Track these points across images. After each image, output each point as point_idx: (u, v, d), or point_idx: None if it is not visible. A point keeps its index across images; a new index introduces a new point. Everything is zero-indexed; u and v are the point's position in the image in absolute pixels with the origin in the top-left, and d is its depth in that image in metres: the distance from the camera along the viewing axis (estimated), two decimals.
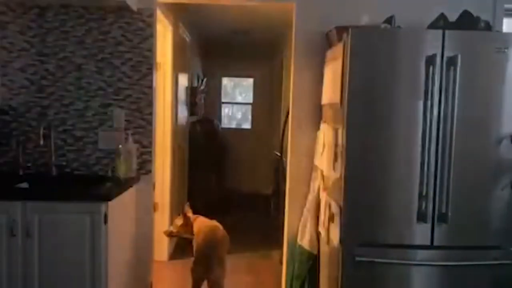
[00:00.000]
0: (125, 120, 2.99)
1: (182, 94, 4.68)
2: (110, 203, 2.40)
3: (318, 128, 2.90)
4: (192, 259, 2.95)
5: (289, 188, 3.09)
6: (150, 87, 2.99)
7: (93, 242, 2.37)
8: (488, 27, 2.47)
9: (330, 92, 2.56)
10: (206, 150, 5.83)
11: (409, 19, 2.56)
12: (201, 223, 3.15)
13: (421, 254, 2.30)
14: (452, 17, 2.49)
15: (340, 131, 2.35)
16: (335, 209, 2.38)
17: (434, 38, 2.24)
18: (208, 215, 3.34)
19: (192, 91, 5.41)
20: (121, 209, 2.67)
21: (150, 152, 3.02)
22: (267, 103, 7.36)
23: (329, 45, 2.77)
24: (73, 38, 2.95)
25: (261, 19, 4.99)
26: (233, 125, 7.84)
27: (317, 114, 2.96)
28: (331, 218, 2.45)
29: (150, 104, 2.99)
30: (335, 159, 2.41)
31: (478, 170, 2.29)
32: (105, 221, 2.38)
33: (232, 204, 6.38)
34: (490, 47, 2.25)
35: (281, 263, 3.36)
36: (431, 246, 2.29)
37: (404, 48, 2.26)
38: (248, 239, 4.77)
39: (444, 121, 2.23)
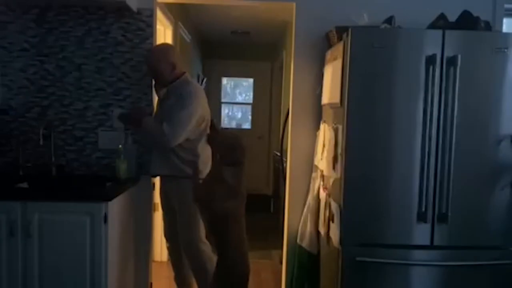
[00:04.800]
0: None
1: None
2: (110, 203, 2.39)
3: (318, 128, 2.90)
4: None
5: (289, 188, 3.09)
6: (150, 87, 2.99)
7: (93, 242, 2.37)
8: (488, 27, 2.47)
9: (330, 92, 2.56)
10: None
11: (409, 19, 2.56)
12: None
13: (421, 254, 2.30)
14: (452, 17, 2.49)
15: (340, 131, 2.35)
16: (335, 209, 2.38)
17: (434, 38, 2.24)
18: None
19: None
20: (121, 209, 2.67)
21: (150, 152, 3.01)
22: (267, 103, 7.36)
23: (329, 45, 2.77)
24: (73, 38, 2.95)
25: (261, 19, 4.99)
26: (233, 125, 7.84)
27: (317, 114, 2.96)
28: (331, 218, 2.45)
29: (150, 104, 2.99)
30: (335, 159, 2.41)
31: (478, 170, 2.29)
32: (105, 221, 2.38)
33: None
34: (490, 47, 2.25)
35: (281, 263, 3.36)
36: (431, 246, 2.30)
37: (404, 48, 2.26)
38: (248, 239, 4.76)
39: (444, 121, 2.23)
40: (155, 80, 2.87)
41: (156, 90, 2.92)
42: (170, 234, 2.98)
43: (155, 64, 2.75)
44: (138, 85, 2.98)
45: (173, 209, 2.85)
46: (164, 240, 4.06)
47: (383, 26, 2.45)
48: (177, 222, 2.83)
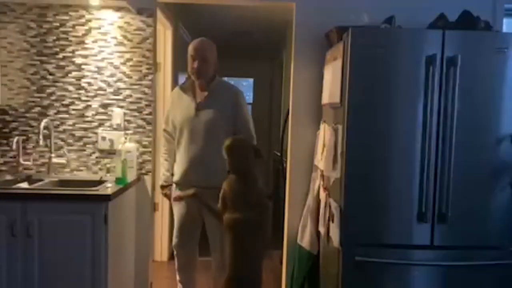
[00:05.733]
0: (125, 120, 2.99)
1: None
2: (110, 203, 2.40)
3: (318, 128, 2.90)
4: None
5: (289, 188, 3.09)
6: (150, 87, 2.99)
7: (93, 242, 2.37)
8: (488, 27, 2.47)
9: (330, 92, 2.56)
10: None
11: (409, 19, 2.55)
12: None
13: (421, 254, 2.30)
14: (452, 17, 2.49)
15: (340, 131, 2.35)
16: (335, 209, 2.38)
17: (434, 38, 2.24)
18: None
19: None
20: (121, 209, 2.67)
21: (150, 152, 3.02)
22: (267, 103, 7.36)
23: (329, 45, 2.77)
24: (73, 38, 2.95)
25: (261, 19, 4.99)
26: None
27: (317, 114, 2.96)
28: (331, 218, 2.45)
29: (150, 104, 3.00)
30: (335, 159, 2.41)
31: (478, 170, 2.29)
32: (105, 221, 2.38)
33: None
34: (490, 47, 2.25)
35: (281, 263, 3.36)
36: (431, 246, 2.29)
37: (404, 48, 2.26)
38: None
39: (444, 121, 2.23)
40: (200, 74, 2.65)
41: (184, 88, 2.77)
42: (184, 240, 2.77)
43: (209, 56, 2.68)
44: (138, 85, 2.98)
45: (197, 221, 2.72)
46: (163, 240, 4.09)
47: (383, 26, 2.44)
48: (211, 240, 2.70)
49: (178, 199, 2.66)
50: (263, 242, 2.34)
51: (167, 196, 2.83)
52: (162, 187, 2.86)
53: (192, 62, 2.66)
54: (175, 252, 2.83)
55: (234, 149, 2.35)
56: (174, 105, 2.78)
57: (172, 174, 2.78)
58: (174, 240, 2.79)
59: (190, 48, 2.71)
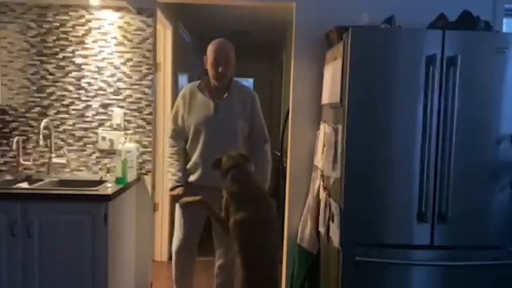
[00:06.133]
0: (125, 120, 2.99)
1: None
2: (110, 203, 2.40)
3: (318, 128, 2.90)
4: None
5: (289, 188, 3.09)
6: (150, 87, 2.99)
7: (93, 242, 2.37)
8: (488, 27, 2.47)
9: (330, 92, 2.56)
10: None
11: (409, 19, 2.56)
12: None
13: (421, 254, 2.30)
14: (452, 17, 2.49)
15: (340, 131, 2.35)
16: (335, 209, 2.38)
17: (434, 38, 2.24)
18: None
19: None
20: (121, 209, 2.67)
21: (150, 152, 3.02)
22: (267, 103, 7.35)
23: (329, 45, 2.77)
24: (73, 38, 2.95)
25: (261, 19, 4.99)
26: None
27: (317, 114, 2.96)
28: (331, 218, 2.45)
29: (150, 104, 3.00)
30: (335, 159, 2.41)
31: (478, 170, 2.29)
32: (105, 221, 2.38)
33: None
34: (490, 47, 2.25)
35: (281, 263, 3.36)
36: (431, 246, 2.29)
37: (404, 48, 2.26)
38: None
39: (444, 121, 2.23)
40: (221, 76, 2.60)
41: (200, 87, 2.69)
42: (187, 242, 2.72)
43: (232, 58, 2.63)
44: (138, 85, 2.98)
45: (200, 225, 2.71)
46: (163, 240, 4.09)
47: (383, 26, 2.45)
48: (217, 237, 2.70)
49: (184, 204, 2.60)
50: (271, 238, 2.31)
51: (176, 198, 2.66)
52: (173, 188, 2.68)
53: (215, 65, 2.59)
54: (174, 258, 2.75)
55: (225, 159, 2.37)
56: (186, 104, 2.67)
57: (185, 175, 2.70)
58: (176, 244, 2.73)
59: (212, 50, 2.62)
